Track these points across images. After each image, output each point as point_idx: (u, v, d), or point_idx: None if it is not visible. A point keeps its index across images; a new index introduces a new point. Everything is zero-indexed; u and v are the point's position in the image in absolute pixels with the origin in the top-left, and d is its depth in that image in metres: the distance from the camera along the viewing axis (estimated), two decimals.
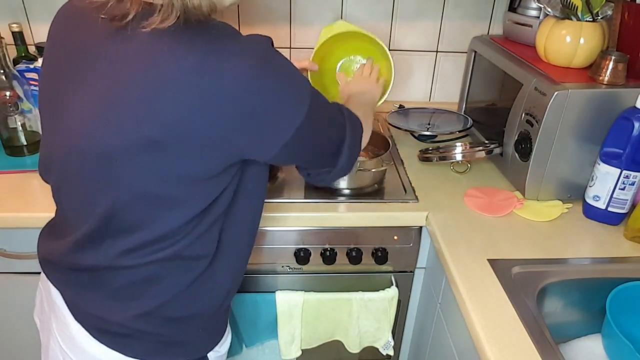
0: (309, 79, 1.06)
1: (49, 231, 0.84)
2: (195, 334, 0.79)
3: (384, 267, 1.17)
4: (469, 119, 1.39)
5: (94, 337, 0.75)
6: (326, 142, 0.78)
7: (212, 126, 0.61)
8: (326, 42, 1.16)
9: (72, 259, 0.75)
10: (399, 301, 1.20)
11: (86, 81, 0.66)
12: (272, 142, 0.66)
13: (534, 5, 1.26)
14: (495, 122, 1.25)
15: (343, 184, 1.14)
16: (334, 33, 1.16)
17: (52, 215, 0.83)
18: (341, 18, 1.47)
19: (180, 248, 0.70)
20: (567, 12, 1.12)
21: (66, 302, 0.77)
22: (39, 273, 0.83)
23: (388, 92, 1.21)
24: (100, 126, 0.63)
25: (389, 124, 1.40)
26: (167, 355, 0.77)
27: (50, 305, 0.80)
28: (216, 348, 0.83)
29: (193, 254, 0.72)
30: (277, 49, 0.67)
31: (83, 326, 0.75)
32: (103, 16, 0.64)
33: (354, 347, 1.23)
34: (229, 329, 0.89)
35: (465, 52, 1.46)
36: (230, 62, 0.60)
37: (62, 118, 0.69)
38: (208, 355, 0.82)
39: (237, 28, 1.46)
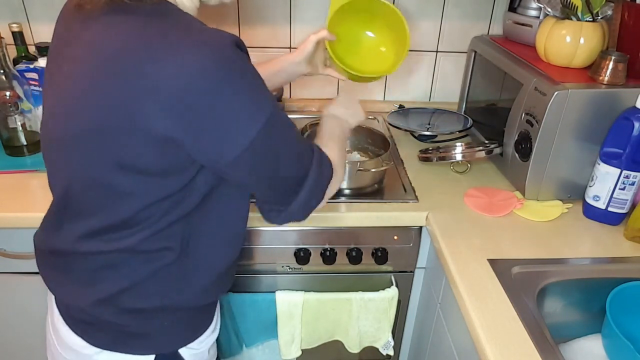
0: (329, 49, 1.01)
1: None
2: (161, 327, 0.78)
3: (384, 267, 1.17)
4: (469, 119, 1.39)
5: (66, 322, 0.78)
6: (281, 171, 0.72)
7: (157, 118, 0.59)
8: (338, 10, 1.08)
9: (44, 242, 0.79)
10: (399, 301, 1.20)
11: (59, 71, 0.69)
12: (219, 150, 0.63)
13: (534, 5, 1.26)
14: (495, 122, 1.25)
15: (343, 184, 1.14)
16: (344, 2, 1.08)
17: None
18: None
19: (137, 240, 0.70)
20: (567, 12, 1.12)
21: (50, 288, 0.80)
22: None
23: (402, 60, 1.09)
24: (57, 114, 0.67)
25: (389, 124, 1.40)
26: (130, 347, 0.77)
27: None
28: (192, 345, 0.81)
29: (152, 247, 0.72)
30: (244, 51, 0.64)
31: (60, 314, 0.79)
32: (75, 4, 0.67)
33: (354, 347, 1.23)
34: (214, 327, 0.87)
35: (465, 52, 1.46)
36: (188, 55, 0.58)
37: (44, 109, 0.73)
38: (180, 351, 0.80)
39: (237, 28, 1.46)
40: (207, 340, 0.85)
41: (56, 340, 0.81)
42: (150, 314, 0.76)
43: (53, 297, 0.81)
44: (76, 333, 0.77)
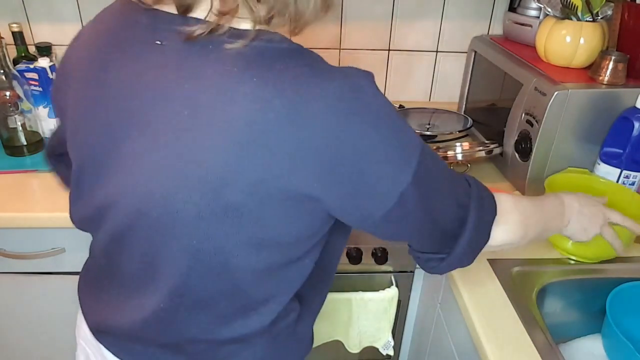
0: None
1: (109, 290, 0.70)
2: None
3: (384, 267, 1.17)
4: (469, 119, 1.39)
5: None
6: (438, 215, 0.61)
7: (306, 182, 0.51)
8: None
9: (153, 338, 0.66)
10: (399, 301, 1.20)
11: (150, 125, 0.53)
12: (370, 205, 0.55)
13: (534, 5, 1.26)
14: (495, 122, 1.25)
15: None
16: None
17: (52, 214, 0.80)
18: (341, 17, 1.47)
19: (269, 319, 0.66)
20: (567, 12, 1.12)
21: None
22: (39, 273, 0.78)
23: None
24: (171, 187, 0.52)
25: None
26: None
27: None
28: None
29: (279, 315, 0.67)
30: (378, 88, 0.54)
31: None
32: (158, 42, 0.52)
33: (354, 347, 1.23)
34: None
35: (465, 52, 1.46)
36: (321, 107, 0.48)
37: (119, 167, 0.56)
38: None
39: None
40: None
41: None
42: None
43: None
44: None
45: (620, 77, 1.04)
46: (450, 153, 1.22)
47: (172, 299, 0.60)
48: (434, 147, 1.33)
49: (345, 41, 1.51)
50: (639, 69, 1.07)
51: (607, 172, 1.03)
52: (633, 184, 1.03)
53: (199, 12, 0.51)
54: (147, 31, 0.54)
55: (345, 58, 1.53)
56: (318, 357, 1.29)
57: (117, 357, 0.69)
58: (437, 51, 1.55)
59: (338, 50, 1.52)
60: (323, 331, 1.21)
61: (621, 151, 1.01)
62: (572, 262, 0.95)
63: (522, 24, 1.31)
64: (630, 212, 0.94)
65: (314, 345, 1.22)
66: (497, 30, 1.51)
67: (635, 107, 0.99)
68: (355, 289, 1.16)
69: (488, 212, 0.67)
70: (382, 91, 1.60)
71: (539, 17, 1.27)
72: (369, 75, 0.53)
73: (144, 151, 0.53)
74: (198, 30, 0.50)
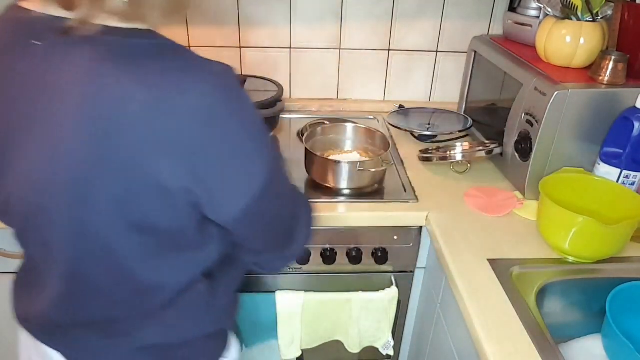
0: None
1: (25, 281, 0.75)
2: (201, 350, 0.78)
3: (384, 267, 1.17)
4: (469, 119, 1.39)
5: None
6: (285, 212, 0.70)
7: (169, 169, 0.54)
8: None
9: (48, 318, 0.70)
10: (399, 301, 1.20)
11: (31, 120, 0.57)
12: (231, 199, 0.60)
13: (534, 5, 1.26)
14: (495, 122, 1.25)
15: (343, 184, 1.14)
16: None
17: None
18: (341, 17, 1.47)
19: (162, 300, 0.69)
20: (567, 12, 1.12)
21: (64, 355, 0.73)
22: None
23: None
24: (49, 175, 0.56)
25: (389, 124, 1.40)
26: None
27: None
28: (224, 354, 0.83)
29: (180, 290, 0.70)
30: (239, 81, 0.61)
31: None
32: (37, 42, 0.56)
33: (354, 347, 1.23)
34: (234, 337, 0.88)
35: (465, 52, 1.46)
36: (185, 101, 0.52)
37: (16, 160, 0.60)
38: None
39: (237, 28, 1.46)
40: (235, 349, 0.87)
41: None
42: (189, 344, 0.76)
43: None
44: None
45: (620, 77, 1.04)
46: (450, 153, 1.22)
47: (69, 284, 0.65)
48: (434, 147, 1.33)
49: (345, 41, 1.51)
50: (639, 69, 1.07)
51: (607, 172, 1.03)
52: (633, 184, 1.03)
53: (75, 11, 0.54)
54: (26, 33, 0.57)
55: (345, 58, 1.54)
56: (318, 357, 1.29)
57: (46, 344, 0.73)
58: (437, 51, 1.55)
59: (338, 50, 1.52)
60: (323, 331, 1.21)
61: (621, 151, 1.01)
62: (571, 262, 0.95)
63: (522, 24, 1.31)
64: (630, 212, 0.94)
65: (314, 345, 1.23)
66: (497, 30, 1.51)
67: (635, 107, 0.99)
68: (355, 289, 1.16)
69: (310, 208, 0.79)
70: (382, 91, 1.61)
71: (539, 17, 1.27)
72: (233, 72, 0.57)
73: (27, 144, 0.57)
74: (72, 27, 0.53)
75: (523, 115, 1.10)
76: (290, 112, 1.55)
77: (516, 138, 1.13)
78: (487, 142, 1.27)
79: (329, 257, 1.12)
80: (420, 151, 1.29)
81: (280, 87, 1.40)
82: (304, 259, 1.12)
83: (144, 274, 0.64)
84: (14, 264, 1.11)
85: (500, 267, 0.92)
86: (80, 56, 0.53)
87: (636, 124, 0.98)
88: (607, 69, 1.04)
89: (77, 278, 0.64)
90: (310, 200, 0.81)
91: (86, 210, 0.56)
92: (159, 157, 0.53)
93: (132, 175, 0.54)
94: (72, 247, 0.61)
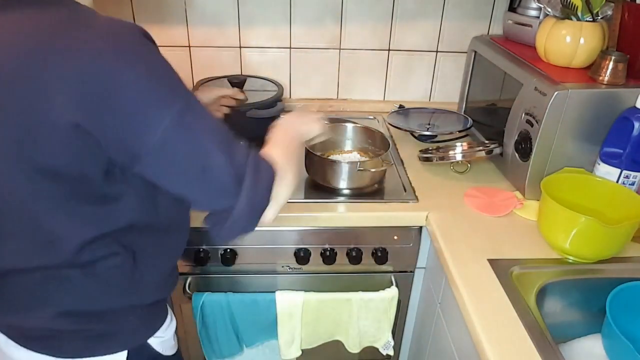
0: None
1: None
2: (126, 324, 0.78)
3: (384, 267, 1.17)
4: (469, 119, 1.39)
5: (20, 344, 0.75)
6: (209, 166, 0.66)
7: (67, 110, 0.58)
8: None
9: None
10: (399, 301, 1.20)
11: None
12: (133, 142, 0.61)
13: (534, 5, 1.26)
14: (495, 122, 1.25)
15: (343, 184, 1.14)
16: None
17: None
18: (341, 17, 1.47)
19: (71, 253, 0.69)
20: (567, 12, 1.12)
21: None
22: None
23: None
24: None
25: (389, 124, 1.40)
26: (100, 349, 0.77)
27: None
28: (157, 334, 0.83)
29: (94, 257, 0.71)
30: (151, 41, 0.63)
31: (7, 336, 0.76)
32: None
33: (354, 347, 1.23)
34: (172, 316, 0.89)
35: (465, 52, 1.46)
36: (91, 43, 0.57)
37: None
38: (149, 341, 0.82)
39: (237, 28, 1.46)
40: (170, 326, 0.87)
41: None
42: (113, 314, 0.77)
43: None
44: (39, 352, 0.75)
45: (620, 77, 1.04)
46: (450, 153, 1.22)
47: None
48: (434, 147, 1.33)
49: (345, 41, 1.51)
50: (639, 69, 1.07)
51: (607, 172, 1.03)
52: (633, 184, 1.03)
53: None
54: None
55: (345, 58, 1.54)
56: (318, 357, 1.29)
57: None
58: (437, 51, 1.55)
59: (338, 50, 1.52)
60: (323, 331, 1.21)
61: (621, 151, 1.01)
62: (572, 261, 0.95)
63: (522, 24, 1.31)
64: (630, 212, 0.94)
65: (314, 345, 1.23)
66: (497, 30, 1.51)
67: (635, 107, 0.99)
68: (355, 289, 1.16)
69: (265, 175, 0.72)
70: (382, 91, 1.61)
71: (539, 17, 1.27)
72: (137, 28, 0.62)
73: None
74: None
75: (523, 115, 1.10)
76: (291, 112, 1.55)
77: (516, 138, 1.13)
78: (487, 142, 1.27)
79: (329, 257, 1.12)
80: (420, 151, 1.29)
81: (280, 87, 1.40)
82: (304, 259, 1.12)
83: (48, 222, 0.66)
84: None
85: (500, 267, 0.92)
86: (9, 19, 0.60)
87: (636, 124, 0.98)
88: (607, 69, 1.04)
89: None
90: (272, 163, 0.74)
91: None
92: (58, 97, 0.57)
93: (34, 117, 0.58)
94: None
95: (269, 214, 0.74)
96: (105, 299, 0.75)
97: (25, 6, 0.60)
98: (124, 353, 0.78)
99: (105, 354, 0.77)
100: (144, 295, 0.80)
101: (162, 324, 0.85)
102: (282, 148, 0.81)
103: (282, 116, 0.98)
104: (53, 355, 0.75)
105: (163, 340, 0.84)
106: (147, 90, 0.60)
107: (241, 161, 0.69)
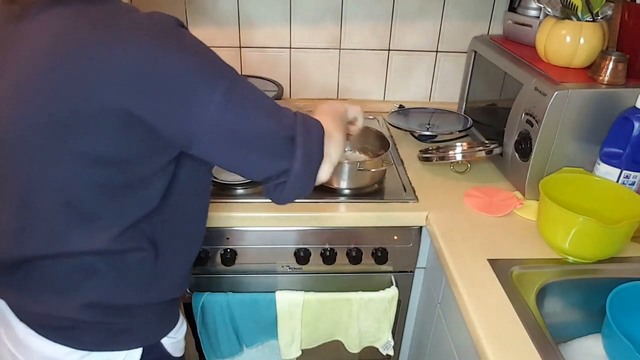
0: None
1: None
2: (145, 321, 0.79)
3: (384, 267, 1.17)
4: (469, 119, 1.39)
5: (41, 334, 0.75)
6: (262, 133, 0.69)
7: (116, 97, 0.60)
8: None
9: None
10: (399, 301, 1.20)
11: (4, 64, 0.66)
12: (188, 121, 0.64)
13: (534, 5, 1.26)
14: (495, 122, 1.25)
15: (343, 184, 1.14)
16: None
17: None
18: (341, 17, 1.47)
19: (105, 240, 0.70)
20: (567, 12, 1.12)
21: (8, 304, 0.77)
22: None
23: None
24: (4, 109, 0.64)
25: (389, 124, 1.40)
26: (118, 343, 0.77)
27: None
28: (170, 334, 0.84)
29: (122, 248, 0.72)
30: (186, 29, 0.67)
31: (29, 325, 0.76)
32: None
33: (354, 347, 1.23)
34: (183, 318, 0.89)
35: (465, 52, 1.46)
36: (133, 32, 0.61)
37: None
38: (162, 341, 0.83)
39: (237, 28, 1.46)
40: (182, 329, 0.88)
41: (23, 356, 0.77)
42: (134, 310, 0.78)
43: (0, 308, 0.78)
44: (58, 342, 0.75)
45: (620, 77, 1.04)
46: (450, 153, 1.22)
47: (19, 213, 0.69)
48: (434, 147, 1.33)
49: (345, 41, 1.51)
50: (639, 69, 1.07)
51: (607, 172, 1.03)
52: (633, 184, 1.03)
53: None
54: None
55: (345, 58, 1.54)
56: (318, 357, 1.29)
57: None
58: (437, 51, 1.55)
59: (338, 50, 1.52)
60: (323, 331, 1.21)
61: (621, 151, 1.01)
62: (571, 261, 0.95)
63: (522, 24, 1.31)
64: (630, 212, 0.94)
65: (314, 345, 1.23)
66: (497, 30, 1.51)
67: (635, 107, 0.99)
68: (355, 289, 1.16)
69: (315, 131, 0.75)
70: (382, 91, 1.61)
71: (539, 17, 1.27)
72: (174, 19, 0.65)
73: None
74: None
75: (523, 115, 1.10)
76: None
77: (516, 138, 1.13)
78: (487, 142, 1.27)
79: (329, 257, 1.12)
80: (420, 151, 1.29)
81: (280, 87, 1.40)
82: (304, 259, 1.12)
83: (89, 207, 0.68)
84: None
85: (500, 267, 0.92)
86: (49, 17, 0.63)
87: (636, 124, 0.98)
88: (607, 69, 1.04)
89: (27, 204, 0.68)
90: (315, 127, 0.76)
91: (38, 138, 0.63)
92: (106, 83, 0.60)
93: (82, 103, 0.60)
94: (25, 174, 0.66)
95: (324, 171, 0.76)
96: (129, 293, 0.76)
97: (76, 2, 0.64)
98: (140, 350, 0.79)
99: (122, 349, 0.78)
100: (163, 292, 0.81)
101: (176, 324, 0.85)
102: (326, 115, 0.84)
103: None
104: (72, 347, 0.75)
105: (175, 341, 0.85)
106: (195, 70, 0.63)
107: (290, 123, 0.72)
